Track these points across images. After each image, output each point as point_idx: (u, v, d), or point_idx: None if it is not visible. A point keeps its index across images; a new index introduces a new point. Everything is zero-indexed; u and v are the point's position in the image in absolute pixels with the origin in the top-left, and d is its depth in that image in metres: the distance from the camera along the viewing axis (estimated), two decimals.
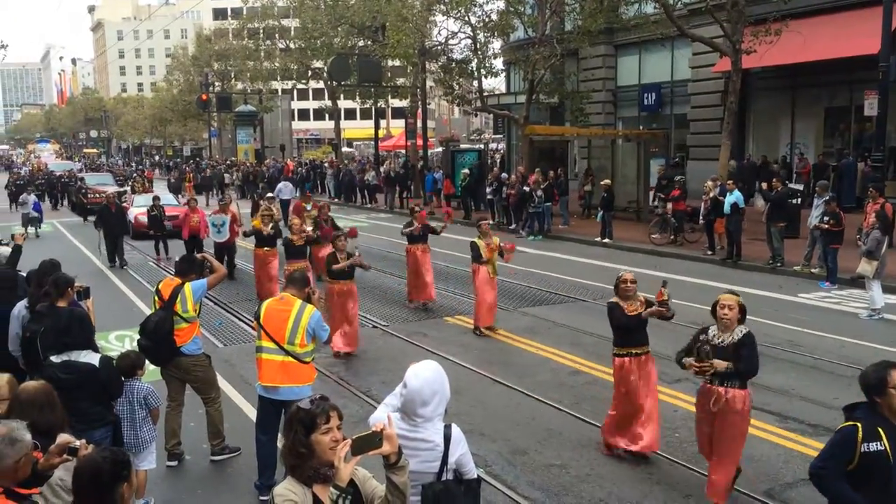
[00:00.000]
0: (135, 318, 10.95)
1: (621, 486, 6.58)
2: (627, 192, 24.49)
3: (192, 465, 7.15)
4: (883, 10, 16.38)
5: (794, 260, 15.93)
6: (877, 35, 16.69)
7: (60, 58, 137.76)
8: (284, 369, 6.26)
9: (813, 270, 15.36)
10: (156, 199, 20.69)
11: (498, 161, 38.43)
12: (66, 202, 37.05)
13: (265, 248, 13.53)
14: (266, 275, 13.47)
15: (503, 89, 38.76)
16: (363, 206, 33.56)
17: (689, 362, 5.92)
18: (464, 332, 11.80)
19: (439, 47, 33.65)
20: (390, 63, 36.77)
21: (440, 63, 32.49)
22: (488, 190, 25.50)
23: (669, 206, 19.94)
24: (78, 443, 3.68)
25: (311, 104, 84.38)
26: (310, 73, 45.36)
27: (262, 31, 47.81)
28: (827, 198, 14.80)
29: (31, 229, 24.14)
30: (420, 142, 36.58)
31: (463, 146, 45.13)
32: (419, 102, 35.68)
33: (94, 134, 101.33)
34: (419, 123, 36.28)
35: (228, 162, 48.75)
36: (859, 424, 4.01)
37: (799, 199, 20.10)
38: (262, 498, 6.24)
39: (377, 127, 42.86)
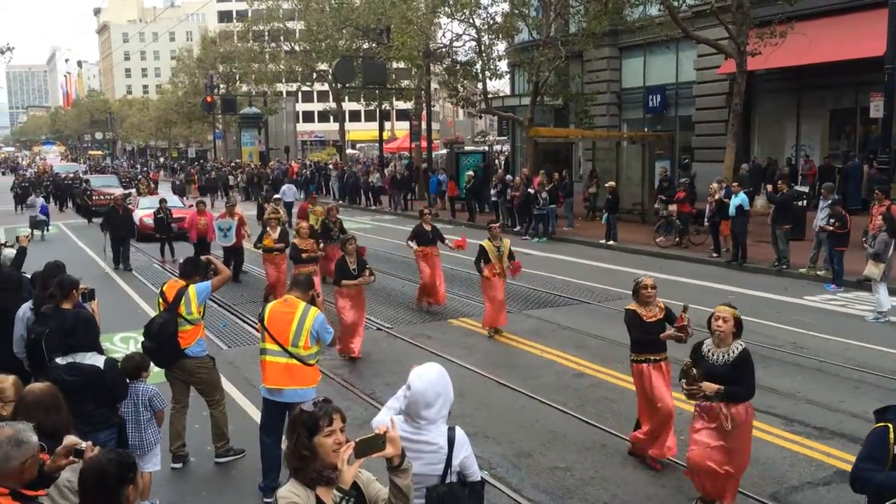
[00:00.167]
0: (139, 320, 10.96)
1: (626, 489, 6.57)
2: (632, 195, 24.47)
3: (197, 467, 7.15)
4: (889, 11, 16.35)
5: (799, 262, 15.88)
6: (882, 37, 16.66)
7: (66, 60, 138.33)
8: (288, 371, 6.26)
9: (819, 273, 15.31)
10: (162, 201, 20.72)
11: (502, 163, 38.41)
12: (70, 204, 37.14)
13: (274, 252, 13.55)
14: (277, 270, 13.48)
15: (507, 91, 38.77)
16: (367, 208, 33.58)
17: (682, 385, 5.74)
18: (468, 335, 11.79)
19: (444, 49, 33.72)
20: (395, 65, 36.79)
21: (445, 65, 32.54)
22: (493, 192, 25.50)
23: (671, 207, 19.91)
24: (84, 444, 3.68)
25: (315, 106, 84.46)
26: (314, 75, 45.43)
27: (267, 33, 47.91)
28: (832, 200, 14.76)
29: (36, 232, 24.22)
30: (424, 144, 36.61)
31: (467, 148, 45.27)
32: (424, 104, 35.71)
33: (99, 136, 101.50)
34: (424, 125, 36.31)
35: (233, 164, 48.85)
36: (891, 426, 3.97)
37: (804, 202, 20.04)
38: (266, 500, 6.24)
39: (382, 129, 42.90)
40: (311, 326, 6.27)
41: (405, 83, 38.87)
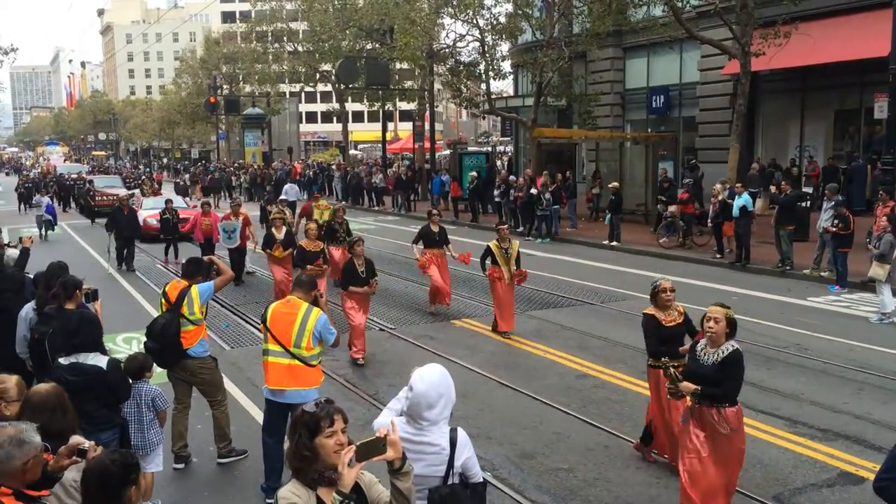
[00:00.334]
0: (142, 320, 10.96)
1: (629, 490, 6.56)
2: (635, 195, 24.44)
3: (199, 468, 7.15)
4: (893, 12, 16.29)
5: (803, 263, 15.85)
6: (887, 37, 16.61)
7: (70, 61, 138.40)
8: (291, 372, 6.26)
9: (822, 274, 15.28)
10: (168, 202, 20.71)
11: (506, 164, 38.41)
12: (73, 205, 37.21)
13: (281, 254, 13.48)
14: (283, 271, 13.31)
15: (511, 92, 38.75)
16: (370, 209, 33.60)
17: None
18: (471, 336, 11.78)
19: (447, 50, 33.72)
20: (398, 66, 36.84)
21: (448, 66, 32.54)
22: (496, 193, 25.50)
23: (671, 208, 19.88)
24: (87, 444, 3.68)
25: (318, 107, 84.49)
26: (318, 75, 45.44)
27: (270, 34, 47.94)
28: (836, 201, 14.74)
29: (40, 231, 24.27)
30: (428, 144, 36.61)
31: (471, 149, 45.22)
32: (427, 105, 35.71)
33: (102, 136, 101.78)
34: (427, 126, 36.31)
35: (236, 164, 48.91)
36: None
37: (808, 203, 20.01)
38: (268, 501, 6.24)
39: (385, 130, 42.92)
40: (314, 327, 6.26)
41: (408, 84, 38.89)
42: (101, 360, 5.51)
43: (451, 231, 18.68)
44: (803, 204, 19.06)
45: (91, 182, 35.28)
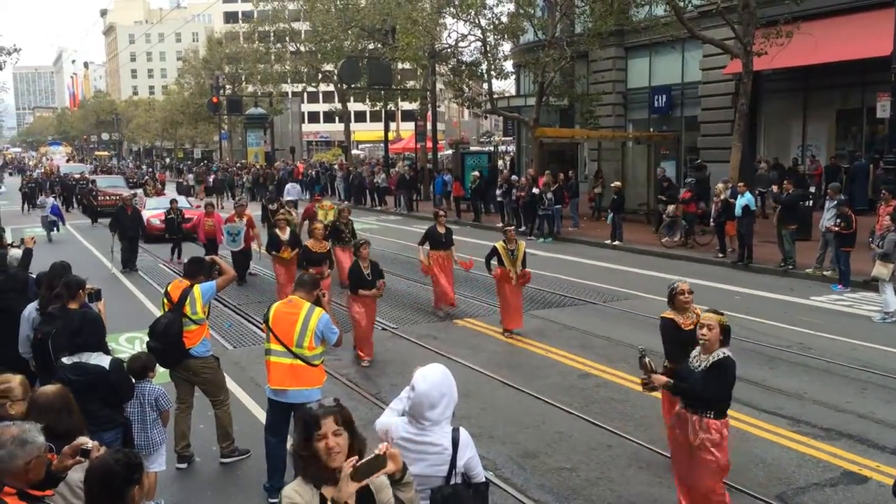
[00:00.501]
0: (145, 320, 10.96)
1: (631, 490, 6.55)
2: (637, 195, 24.42)
3: (202, 468, 7.16)
4: (895, 11, 16.27)
5: (805, 262, 15.84)
6: (889, 37, 16.57)
7: (73, 61, 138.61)
8: (293, 372, 6.26)
9: (825, 273, 15.26)
10: (173, 202, 20.70)
11: (508, 163, 38.40)
12: (76, 205, 37.23)
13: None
14: (287, 271, 13.21)
15: (513, 92, 38.69)
16: (373, 209, 33.61)
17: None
18: (473, 335, 11.79)
19: (449, 50, 33.70)
20: (400, 66, 36.81)
21: (450, 65, 32.53)
22: (498, 192, 25.48)
23: (671, 208, 19.85)
24: (91, 444, 3.68)
25: (321, 107, 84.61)
26: (320, 75, 45.47)
27: (272, 34, 47.99)
28: (839, 200, 14.72)
29: (44, 232, 24.25)
30: (430, 144, 36.61)
31: (473, 148, 45.23)
32: (429, 105, 35.71)
33: (105, 137, 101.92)
34: (429, 126, 36.31)
35: (239, 164, 48.95)
36: None
37: (811, 202, 19.97)
38: (271, 500, 6.24)
39: (387, 129, 42.95)
40: (316, 327, 6.25)
41: (410, 83, 38.88)
42: (104, 360, 5.52)
43: (454, 231, 18.64)
44: (806, 203, 19.04)
45: (94, 182, 35.34)
